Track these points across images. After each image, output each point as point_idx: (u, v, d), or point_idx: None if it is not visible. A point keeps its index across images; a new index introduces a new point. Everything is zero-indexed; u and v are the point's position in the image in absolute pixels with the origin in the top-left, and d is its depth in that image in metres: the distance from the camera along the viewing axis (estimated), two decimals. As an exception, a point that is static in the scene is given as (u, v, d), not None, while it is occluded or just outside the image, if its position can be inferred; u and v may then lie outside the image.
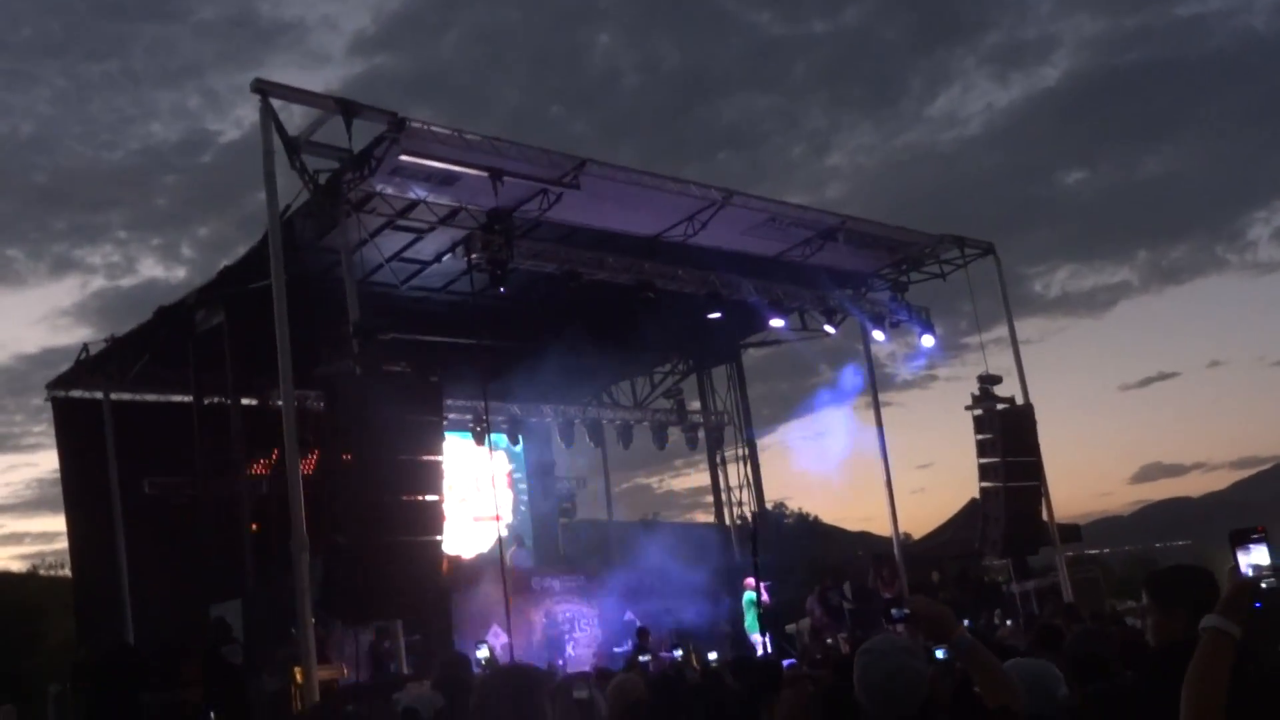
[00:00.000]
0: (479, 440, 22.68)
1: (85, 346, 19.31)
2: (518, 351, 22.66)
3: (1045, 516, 21.99)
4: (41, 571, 42.86)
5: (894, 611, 3.96)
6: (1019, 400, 21.95)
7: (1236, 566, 3.10)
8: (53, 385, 20.09)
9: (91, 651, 16.66)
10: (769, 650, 16.55)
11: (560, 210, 16.88)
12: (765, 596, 20.52)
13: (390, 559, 13.42)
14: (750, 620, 20.27)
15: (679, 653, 16.26)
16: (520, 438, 24.32)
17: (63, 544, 23.63)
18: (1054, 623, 8.26)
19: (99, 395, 19.73)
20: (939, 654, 4.06)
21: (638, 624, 19.75)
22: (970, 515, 25.27)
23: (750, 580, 20.76)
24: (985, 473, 21.42)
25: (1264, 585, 3.02)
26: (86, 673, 15.52)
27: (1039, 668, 4.87)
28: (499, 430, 23.55)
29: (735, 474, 27.09)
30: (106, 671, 14.37)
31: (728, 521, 26.63)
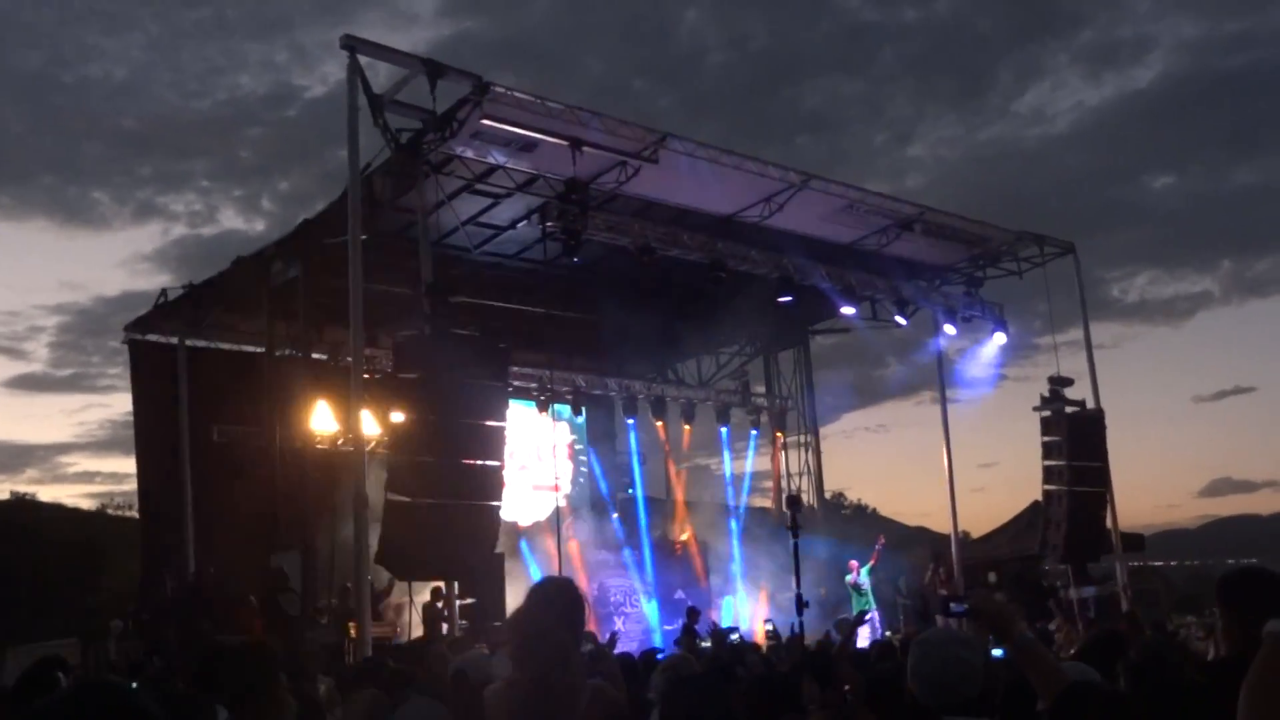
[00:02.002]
0: (542, 408, 22.74)
1: (164, 291, 19.60)
2: (586, 323, 22.69)
3: (1109, 524, 21.64)
4: (110, 511, 43.97)
5: (953, 605, 3.88)
6: (1090, 404, 21.59)
7: None
8: (130, 328, 20.42)
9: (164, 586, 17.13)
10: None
11: (637, 184, 16.84)
12: (854, 577, 20.68)
13: (448, 520, 13.54)
14: (860, 602, 20.36)
15: (735, 636, 16.21)
16: (583, 409, 24.37)
17: (131, 485, 24.12)
18: (1116, 628, 8.05)
19: (174, 340, 20.05)
20: (996, 652, 3.99)
21: (688, 603, 19.77)
22: (1032, 518, 24.93)
23: (854, 563, 20.89)
24: (1050, 475, 21.09)
25: None
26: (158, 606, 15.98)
27: (1086, 673, 4.76)
28: (562, 400, 23.59)
29: (796, 460, 26.99)
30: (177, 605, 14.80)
31: (785, 508, 26.51)
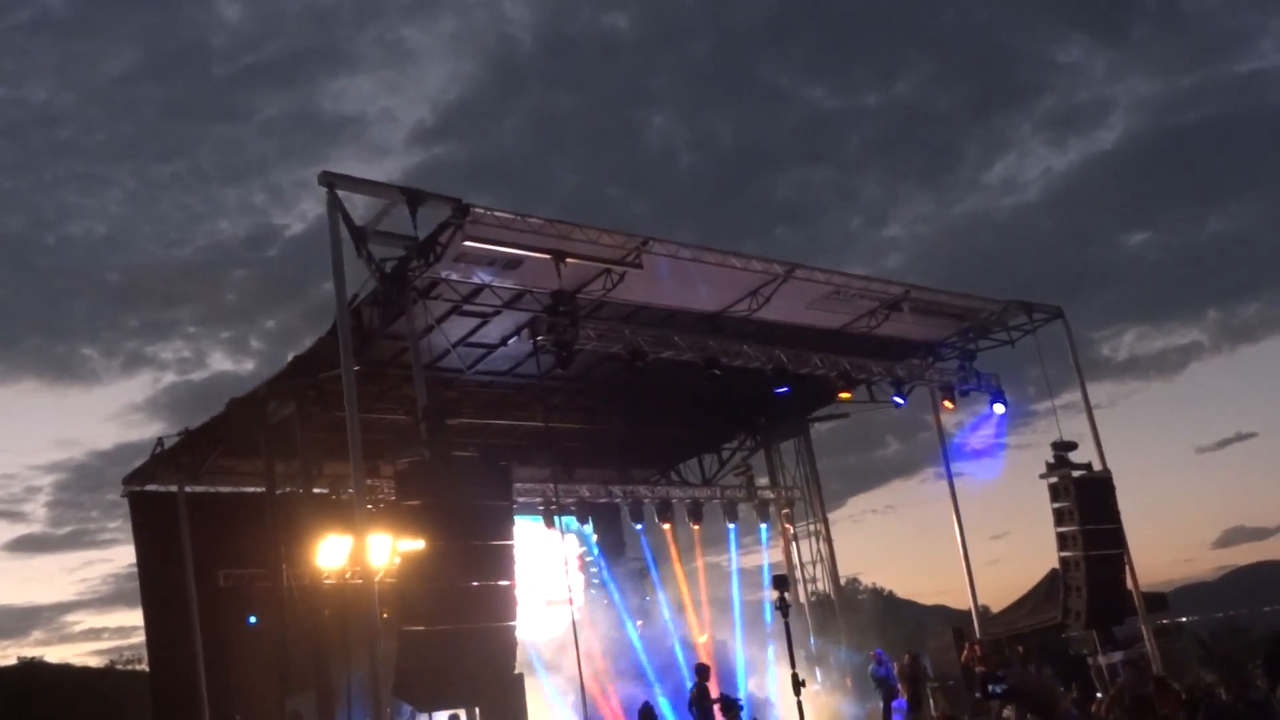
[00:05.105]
0: (549, 522, 22.58)
1: (160, 440, 19.55)
2: (585, 433, 22.66)
3: (1130, 585, 21.41)
4: (119, 666, 43.22)
5: (993, 687, 3.79)
6: (1095, 466, 21.49)
7: None
8: (129, 480, 20.33)
9: None
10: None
11: (623, 289, 16.92)
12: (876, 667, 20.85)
13: (464, 645, 13.33)
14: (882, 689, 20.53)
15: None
16: (590, 519, 24.20)
17: (139, 638, 23.74)
18: (1145, 694, 7.92)
19: (174, 489, 19.93)
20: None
21: (697, 661, 19.76)
22: (1051, 586, 24.67)
23: (879, 652, 20.96)
24: (1064, 542, 20.90)
25: None
26: None
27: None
28: (568, 512, 23.43)
29: (808, 549, 26.76)
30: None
31: (802, 599, 26.25)
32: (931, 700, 21.54)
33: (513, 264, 15.82)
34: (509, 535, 14.22)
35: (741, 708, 17.81)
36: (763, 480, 26.97)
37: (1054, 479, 21.05)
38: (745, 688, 22.86)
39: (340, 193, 14.00)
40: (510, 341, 18.19)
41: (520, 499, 19.31)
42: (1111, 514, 21.24)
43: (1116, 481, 21.58)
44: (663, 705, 21.24)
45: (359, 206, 14.77)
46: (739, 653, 23.69)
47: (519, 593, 14.26)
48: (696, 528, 25.12)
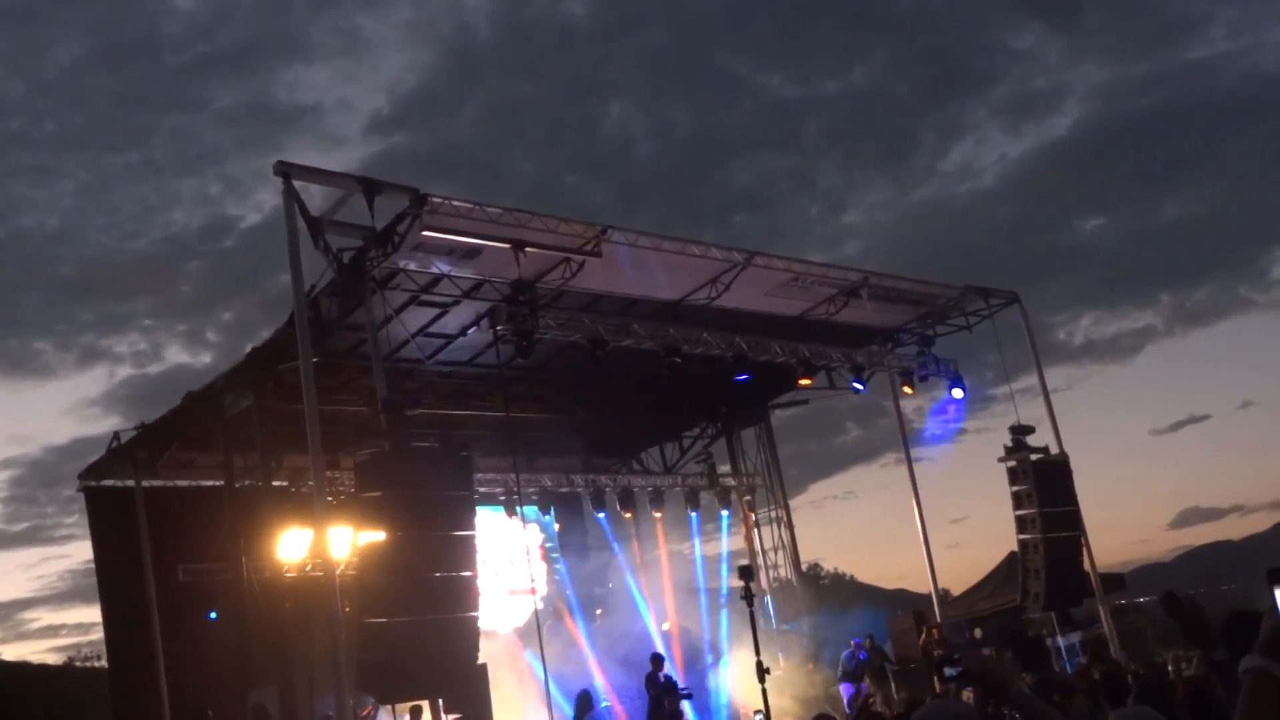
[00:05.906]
0: (510, 512, 22.54)
1: (116, 435, 19.31)
2: (546, 422, 22.61)
3: (1087, 567, 21.64)
4: (78, 664, 42.80)
5: (947, 670, 3.82)
6: (1053, 450, 21.69)
7: (1275, 606, 2.93)
8: (84, 475, 20.07)
9: None
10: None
11: (583, 278, 16.90)
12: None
13: (425, 637, 13.27)
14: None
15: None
16: (552, 508, 24.18)
17: (98, 634, 23.51)
18: (1119, 670, 8.02)
19: (130, 483, 19.71)
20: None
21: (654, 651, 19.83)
22: (1010, 569, 24.88)
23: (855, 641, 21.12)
24: (1022, 525, 21.07)
25: None
26: None
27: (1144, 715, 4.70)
28: (530, 502, 23.39)
29: (770, 536, 26.86)
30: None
31: (764, 585, 26.36)
32: (894, 684, 21.70)
33: (471, 253, 15.75)
34: (470, 526, 14.17)
35: (688, 695, 18.01)
36: (724, 468, 27.04)
37: (1012, 462, 21.21)
38: (712, 673, 22.95)
39: (297, 183, 13.88)
40: (470, 331, 18.13)
41: (481, 489, 19.24)
42: (1069, 496, 21.43)
43: (1073, 464, 21.81)
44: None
45: (316, 197, 14.66)
46: (704, 639, 23.76)
47: (481, 583, 14.24)
48: (658, 516, 25.16)
